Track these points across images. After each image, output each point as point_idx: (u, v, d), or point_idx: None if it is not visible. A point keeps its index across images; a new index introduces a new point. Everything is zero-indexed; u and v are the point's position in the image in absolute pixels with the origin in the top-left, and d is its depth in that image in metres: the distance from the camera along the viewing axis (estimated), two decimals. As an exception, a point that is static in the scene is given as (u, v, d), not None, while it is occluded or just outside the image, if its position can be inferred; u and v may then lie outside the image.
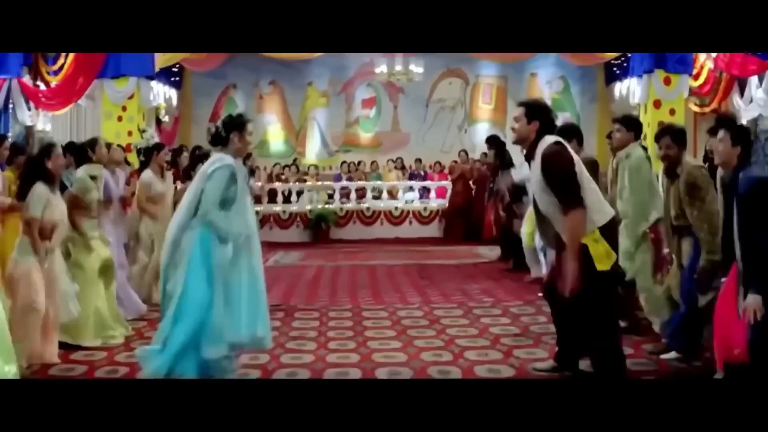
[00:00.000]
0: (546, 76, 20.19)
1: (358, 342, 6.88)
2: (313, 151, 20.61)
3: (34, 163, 6.49)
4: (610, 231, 5.18)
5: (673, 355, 6.11)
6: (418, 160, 18.71)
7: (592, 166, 6.93)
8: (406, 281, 10.48)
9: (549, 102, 18.91)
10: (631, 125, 7.00)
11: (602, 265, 5.04)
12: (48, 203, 6.27)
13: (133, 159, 11.32)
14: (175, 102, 18.69)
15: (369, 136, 20.65)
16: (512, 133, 5.52)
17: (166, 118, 18.22)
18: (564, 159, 5.15)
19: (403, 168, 18.90)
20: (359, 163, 19.02)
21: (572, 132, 7.26)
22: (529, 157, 5.37)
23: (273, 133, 20.61)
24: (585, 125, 19.56)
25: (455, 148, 19.11)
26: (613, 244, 5.22)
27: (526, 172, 7.82)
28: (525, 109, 5.40)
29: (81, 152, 7.68)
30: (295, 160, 19.57)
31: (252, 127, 5.66)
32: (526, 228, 9.63)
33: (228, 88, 20.46)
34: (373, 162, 19.19)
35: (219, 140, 5.59)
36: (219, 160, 5.44)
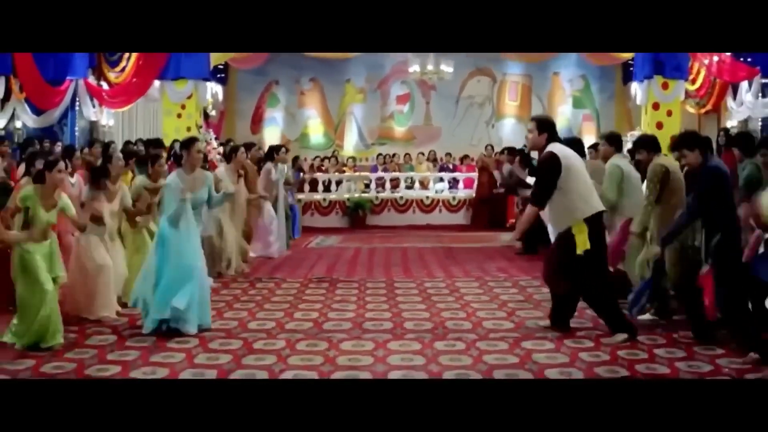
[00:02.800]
0: (568, 75, 21.43)
1: (390, 304, 8.37)
2: (350, 144, 22.05)
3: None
4: (595, 222, 6.69)
5: (647, 316, 7.47)
6: (448, 154, 19.97)
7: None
8: (433, 260, 11.91)
9: (570, 99, 20.36)
10: (613, 140, 8.40)
11: (579, 250, 6.58)
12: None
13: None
14: (221, 97, 20.18)
15: (403, 129, 22.05)
16: (527, 142, 7.13)
17: (213, 113, 19.67)
18: (550, 165, 6.65)
19: (434, 160, 20.16)
20: (394, 155, 20.32)
21: (577, 144, 8.78)
22: None
23: (313, 127, 22.09)
24: (603, 121, 21.03)
25: (483, 141, 20.38)
26: (597, 233, 6.70)
27: None
28: (536, 123, 6.98)
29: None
30: (334, 152, 20.98)
31: (200, 145, 7.66)
32: None
33: (271, 84, 21.91)
34: (406, 154, 20.51)
35: (177, 159, 7.84)
36: (170, 176, 7.47)
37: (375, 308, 8.17)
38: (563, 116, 21.30)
